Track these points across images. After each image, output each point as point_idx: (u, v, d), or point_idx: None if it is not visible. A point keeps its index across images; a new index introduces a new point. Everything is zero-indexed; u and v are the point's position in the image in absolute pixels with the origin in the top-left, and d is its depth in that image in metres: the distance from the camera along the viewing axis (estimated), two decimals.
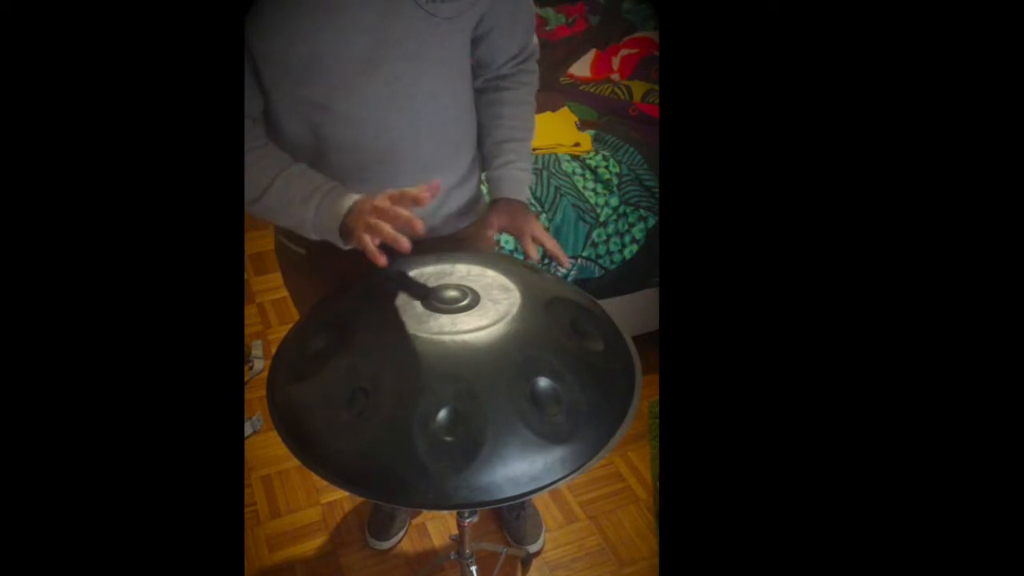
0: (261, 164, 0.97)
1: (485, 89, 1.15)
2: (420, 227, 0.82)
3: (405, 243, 0.82)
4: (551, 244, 1.08)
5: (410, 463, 0.71)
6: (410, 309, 0.84)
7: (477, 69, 1.13)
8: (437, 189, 0.87)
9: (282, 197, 0.96)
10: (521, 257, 1.68)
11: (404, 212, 0.84)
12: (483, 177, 1.20)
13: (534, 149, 2.00)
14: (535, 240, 1.09)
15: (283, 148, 1.02)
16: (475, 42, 1.08)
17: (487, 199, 1.21)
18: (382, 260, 0.84)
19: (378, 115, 0.99)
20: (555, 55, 2.64)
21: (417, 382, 0.74)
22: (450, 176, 1.12)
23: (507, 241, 1.82)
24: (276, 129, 1.02)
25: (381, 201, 0.86)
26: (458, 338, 0.79)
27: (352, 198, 0.94)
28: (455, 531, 1.25)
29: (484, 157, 1.16)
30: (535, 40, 1.17)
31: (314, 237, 0.96)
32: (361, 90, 0.96)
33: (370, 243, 0.84)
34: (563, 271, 1.91)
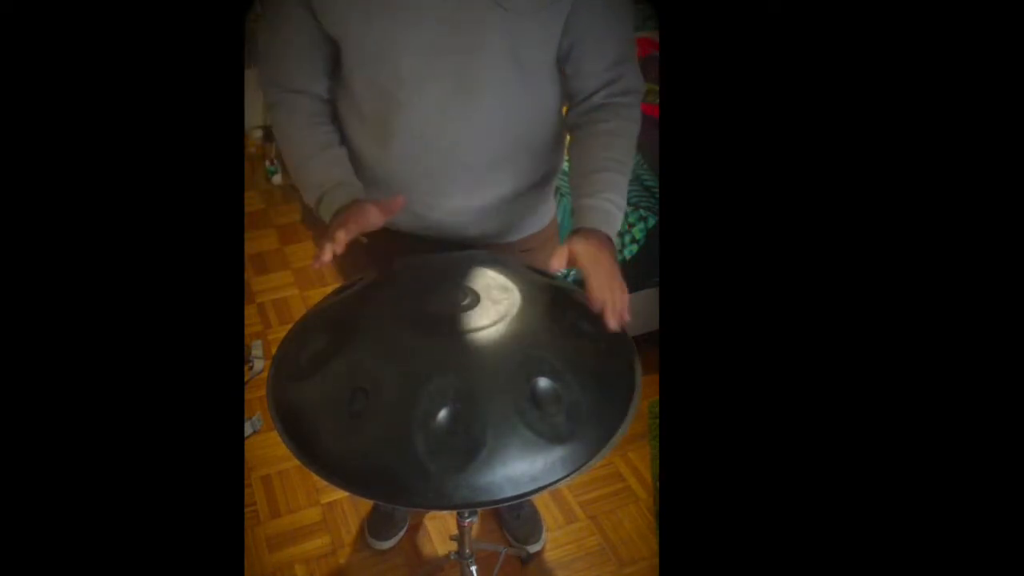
0: (299, 145, 1.05)
1: (579, 125, 1.05)
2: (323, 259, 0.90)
3: (318, 262, 0.90)
4: (618, 298, 0.87)
5: (410, 463, 0.71)
6: (410, 309, 0.84)
7: (569, 101, 1.07)
8: (397, 205, 0.96)
9: (309, 177, 1.03)
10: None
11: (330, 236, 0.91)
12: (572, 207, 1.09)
13: None
14: (605, 285, 0.87)
15: (363, 131, 1.06)
16: (563, 66, 1.02)
17: (568, 222, 1.09)
18: (315, 265, 0.91)
19: (441, 106, 0.98)
20: None
21: (417, 382, 0.74)
22: (514, 179, 1.08)
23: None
24: (357, 112, 1.05)
25: (350, 218, 0.94)
26: (458, 338, 0.79)
27: (349, 200, 0.98)
28: (455, 531, 1.25)
29: (572, 189, 1.03)
30: (637, 77, 1.05)
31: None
32: (426, 79, 0.96)
33: (323, 247, 0.91)
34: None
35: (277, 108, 1.07)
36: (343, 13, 0.94)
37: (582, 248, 0.91)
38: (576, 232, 0.96)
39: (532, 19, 0.93)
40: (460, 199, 1.08)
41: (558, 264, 0.90)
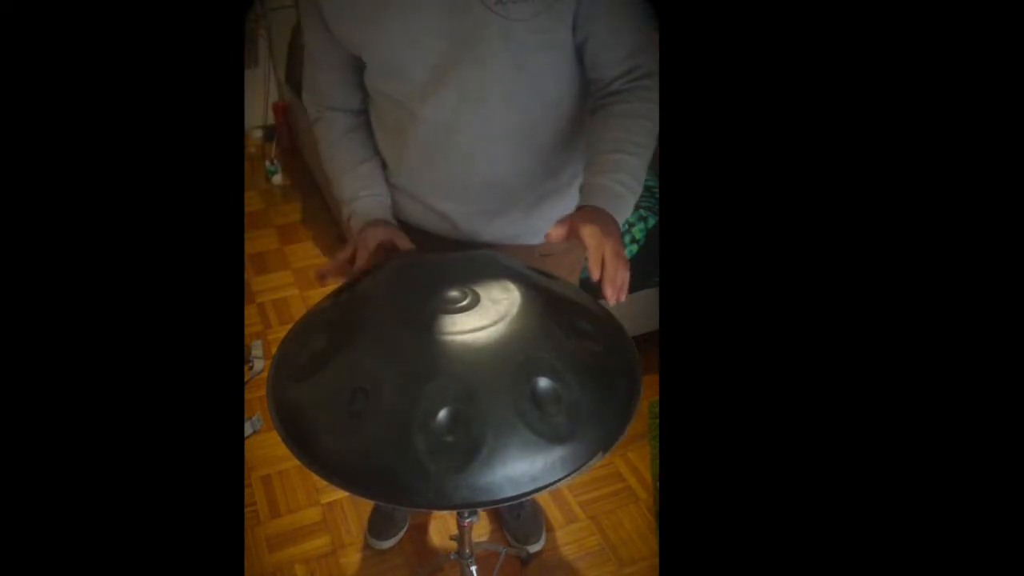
0: (333, 160, 1.12)
1: (598, 107, 1.03)
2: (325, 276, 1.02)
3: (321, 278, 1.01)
4: (617, 275, 0.83)
5: (410, 463, 0.70)
6: (410, 309, 0.84)
7: (590, 88, 1.05)
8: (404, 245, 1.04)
9: (341, 193, 1.11)
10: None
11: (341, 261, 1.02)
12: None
13: None
14: (604, 260, 0.84)
15: (383, 138, 1.11)
16: (580, 59, 1.02)
17: None
18: (320, 280, 1.01)
19: (450, 118, 0.99)
20: None
21: (417, 382, 0.74)
22: (532, 183, 1.09)
23: None
24: (379, 120, 1.10)
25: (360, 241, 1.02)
26: (458, 338, 0.79)
27: (371, 219, 1.06)
28: (455, 531, 1.25)
29: (584, 168, 1.01)
30: (655, 60, 1.01)
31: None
32: (433, 93, 0.97)
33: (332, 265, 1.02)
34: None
35: (317, 124, 1.13)
36: (352, 31, 0.96)
37: (581, 222, 0.87)
38: (579, 208, 0.93)
39: (532, 23, 0.92)
40: (476, 204, 1.09)
41: (556, 235, 0.87)
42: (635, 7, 0.99)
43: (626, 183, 0.95)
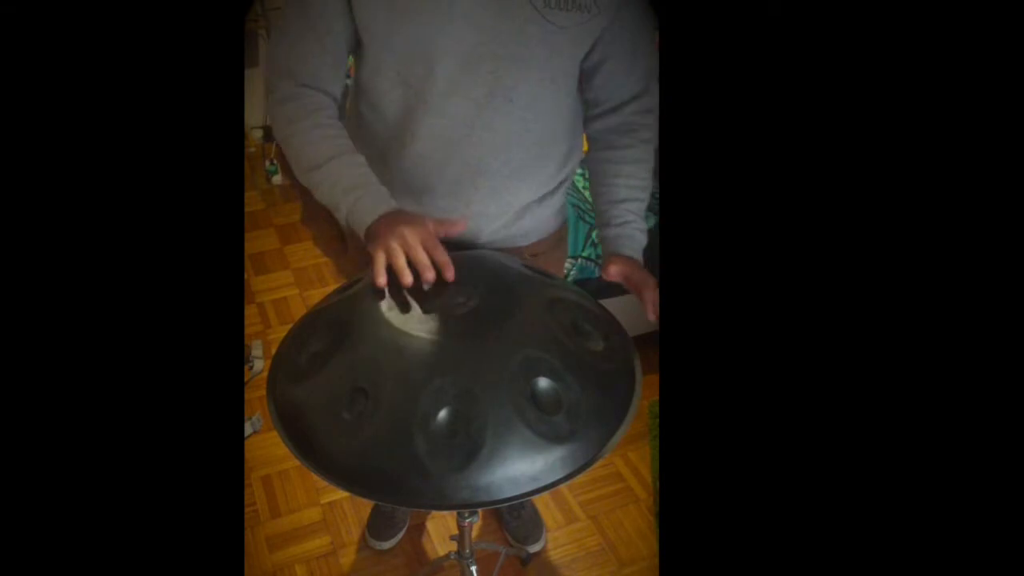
0: (322, 142, 0.97)
1: (603, 145, 1.08)
2: (432, 276, 0.85)
3: (408, 279, 0.84)
4: (654, 296, 0.94)
5: (410, 463, 0.71)
6: (410, 309, 0.84)
7: (590, 108, 1.07)
8: (462, 226, 0.93)
9: (330, 178, 0.95)
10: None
11: (425, 259, 0.85)
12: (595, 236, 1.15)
13: None
14: (649, 299, 0.95)
15: (383, 130, 1.04)
16: (587, 75, 1.03)
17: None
18: (381, 280, 0.85)
19: (470, 113, 0.97)
20: None
21: (417, 382, 0.74)
22: (533, 188, 1.09)
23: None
24: (378, 111, 1.03)
25: (413, 233, 0.86)
26: (458, 338, 0.79)
27: (388, 205, 0.93)
28: (455, 531, 1.25)
29: (599, 214, 1.08)
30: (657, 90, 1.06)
31: (343, 224, 0.97)
32: (458, 85, 0.95)
33: (380, 262, 0.85)
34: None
35: (289, 103, 0.99)
36: (378, 7, 0.92)
37: (623, 272, 0.99)
38: (610, 259, 1.01)
39: (569, 33, 0.93)
40: (478, 205, 1.07)
41: (616, 273, 0.99)
42: (648, 29, 1.02)
43: (639, 226, 1.06)
